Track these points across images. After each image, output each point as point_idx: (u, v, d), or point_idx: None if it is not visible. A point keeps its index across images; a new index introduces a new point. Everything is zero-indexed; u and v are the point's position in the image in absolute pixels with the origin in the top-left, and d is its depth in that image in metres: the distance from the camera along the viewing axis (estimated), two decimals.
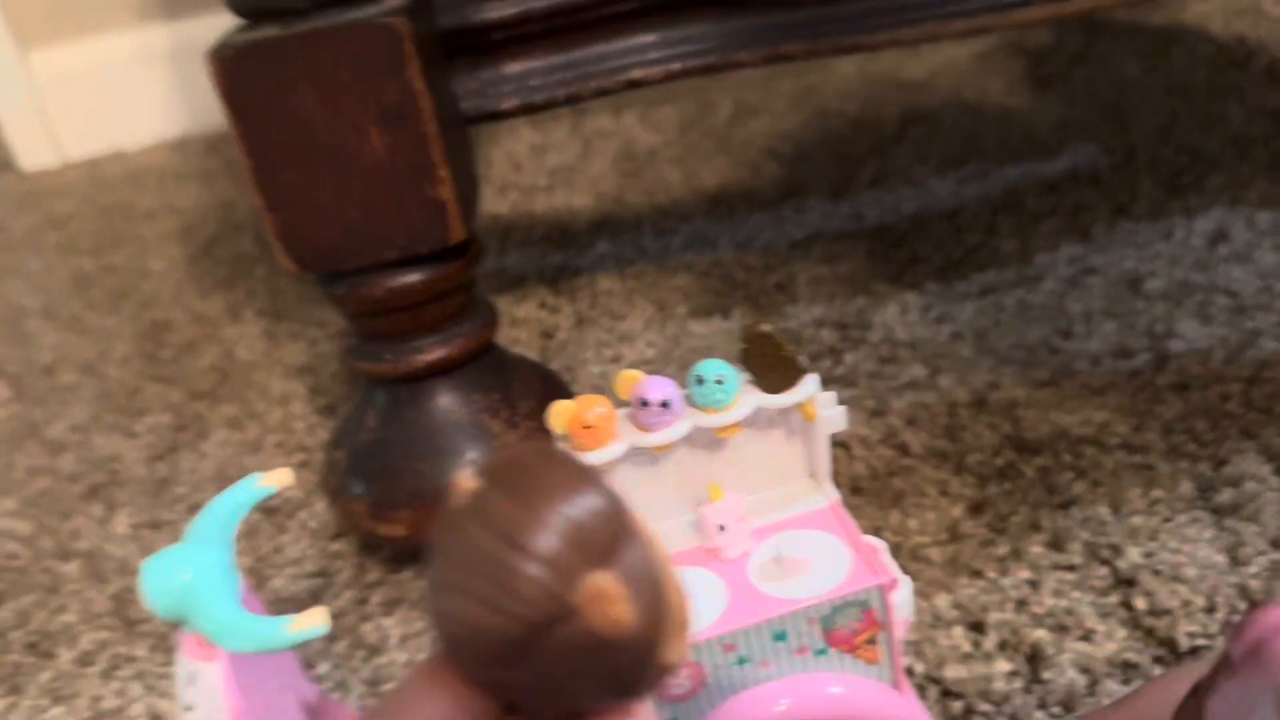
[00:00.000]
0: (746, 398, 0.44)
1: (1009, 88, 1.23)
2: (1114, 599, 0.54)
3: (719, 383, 0.43)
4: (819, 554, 0.44)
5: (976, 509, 0.62)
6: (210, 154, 1.51)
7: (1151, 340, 0.73)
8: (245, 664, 0.40)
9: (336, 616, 0.63)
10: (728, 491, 0.46)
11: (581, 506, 0.23)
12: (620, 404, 0.45)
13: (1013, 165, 1.03)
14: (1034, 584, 0.56)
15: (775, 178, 1.10)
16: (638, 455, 0.46)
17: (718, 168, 1.15)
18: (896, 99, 1.25)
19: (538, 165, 1.23)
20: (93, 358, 0.99)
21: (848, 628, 0.43)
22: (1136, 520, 0.58)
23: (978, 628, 0.54)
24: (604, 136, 1.29)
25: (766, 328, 0.43)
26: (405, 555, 0.65)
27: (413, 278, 0.56)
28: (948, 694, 0.51)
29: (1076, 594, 0.54)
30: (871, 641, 0.44)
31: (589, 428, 0.43)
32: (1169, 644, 0.51)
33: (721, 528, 0.45)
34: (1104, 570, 0.55)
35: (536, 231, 1.07)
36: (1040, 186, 0.98)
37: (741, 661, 0.42)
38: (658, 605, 0.24)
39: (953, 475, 0.64)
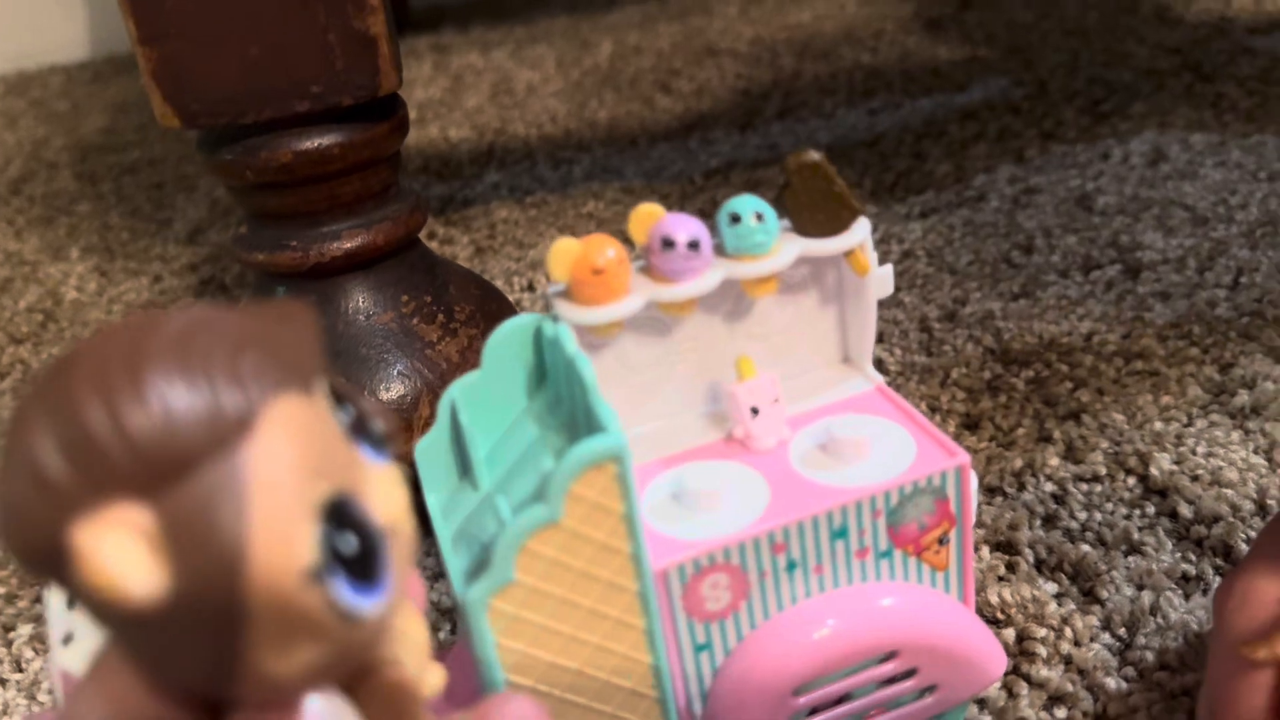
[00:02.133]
0: (788, 243, 0.35)
1: (901, 29, 1.18)
2: (1152, 509, 0.47)
3: (759, 220, 0.34)
4: (876, 437, 0.36)
5: (973, 424, 0.54)
6: (11, 95, 1.33)
7: (1119, 252, 0.67)
8: None
9: None
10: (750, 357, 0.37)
11: (138, 388, 0.14)
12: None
13: (924, 97, 0.98)
14: (1059, 498, 0.49)
15: (674, 111, 1.02)
16: (645, 323, 0.36)
17: (608, 102, 1.06)
18: (788, 39, 1.19)
19: (404, 98, 1.11)
20: None
21: (917, 522, 0.34)
22: (1157, 426, 0.52)
23: (1008, 547, 0.46)
24: (474, 72, 1.18)
25: (815, 156, 0.35)
26: None
27: (330, 139, 0.44)
28: (993, 621, 0.43)
29: (1109, 506, 0.48)
30: (942, 541, 0.35)
31: (599, 273, 0.33)
32: (1226, 553, 0.44)
33: (755, 411, 0.36)
34: (1133, 480, 0.49)
35: (412, 163, 0.95)
36: (959, 115, 0.92)
37: (792, 566, 0.33)
38: (227, 572, 0.14)
39: (940, 390, 0.57)
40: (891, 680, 0.35)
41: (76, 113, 1.23)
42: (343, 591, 0.15)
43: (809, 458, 0.35)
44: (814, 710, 0.35)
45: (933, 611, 0.35)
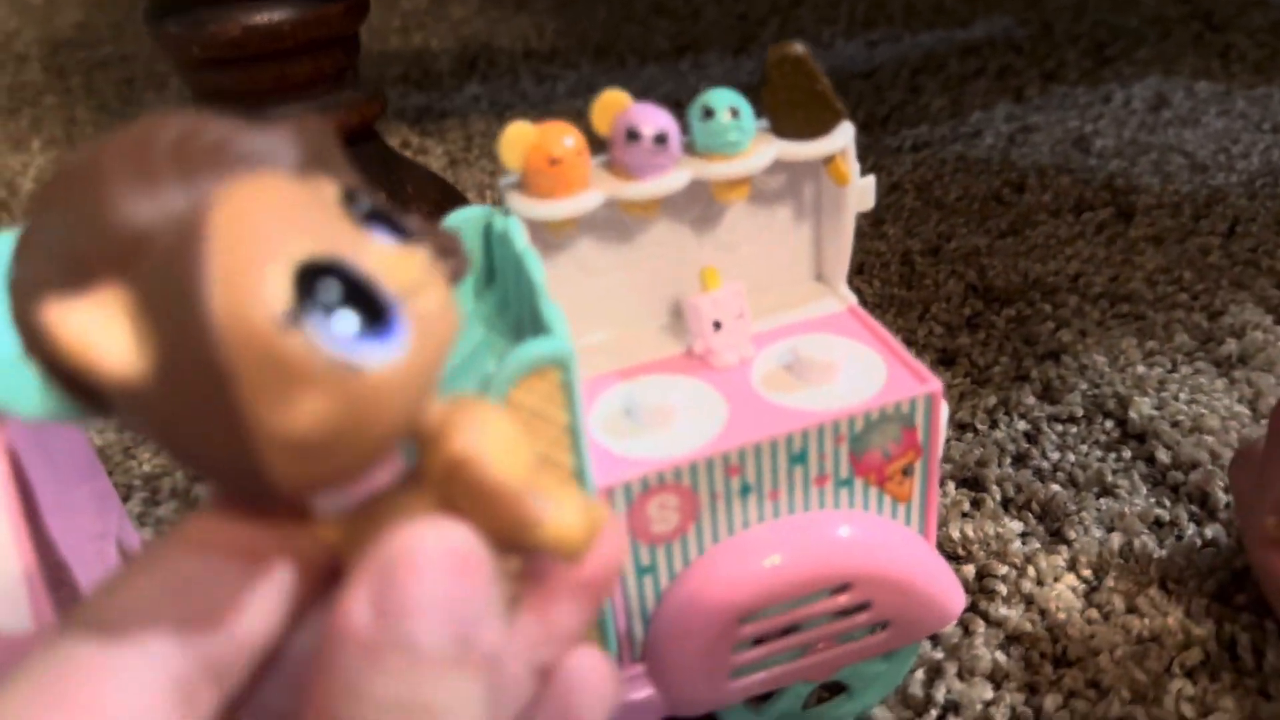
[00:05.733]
0: (764, 144, 0.33)
1: None
2: (1128, 452, 0.45)
3: (734, 116, 0.32)
4: (844, 359, 0.34)
5: (949, 360, 0.52)
6: None
7: (1113, 195, 0.65)
8: (44, 478, 0.27)
9: (160, 474, 0.49)
10: (725, 279, 0.35)
11: (99, 185, 0.15)
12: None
13: (925, 31, 0.95)
14: (1031, 437, 0.47)
15: (668, 32, 0.99)
16: (607, 226, 0.34)
17: (600, 21, 1.03)
18: None
19: (388, 6, 1.07)
20: None
21: (881, 450, 0.32)
22: (1139, 370, 0.50)
23: (974, 484, 0.45)
24: None
25: (799, 49, 0.32)
26: None
27: (282, 14, 0.42)
28: (953, 557, 0.41)
29: (1084, 448, 0.46)
30: (906, 473, 0.33)
31: (556, 163, 0.31)
32: (1202, 500, 0.43)
33: (718, 325, 0.34)
34: (1110, 423, 0.47)
35: (391, 70, 0.92)
36: (959, 51, 0.90)
37: (745, 490, 0.32)
38: (199, 328, 0.14)
39: (917, 324, 0.55)
40: (844, 613, 0.33)
41: (51, 6, 1.19)
42: (331, 334, 0.14)
43: (772, 378, 0.33)
44: (760, 640, 0.33)
45: (891, 544, 0.33)
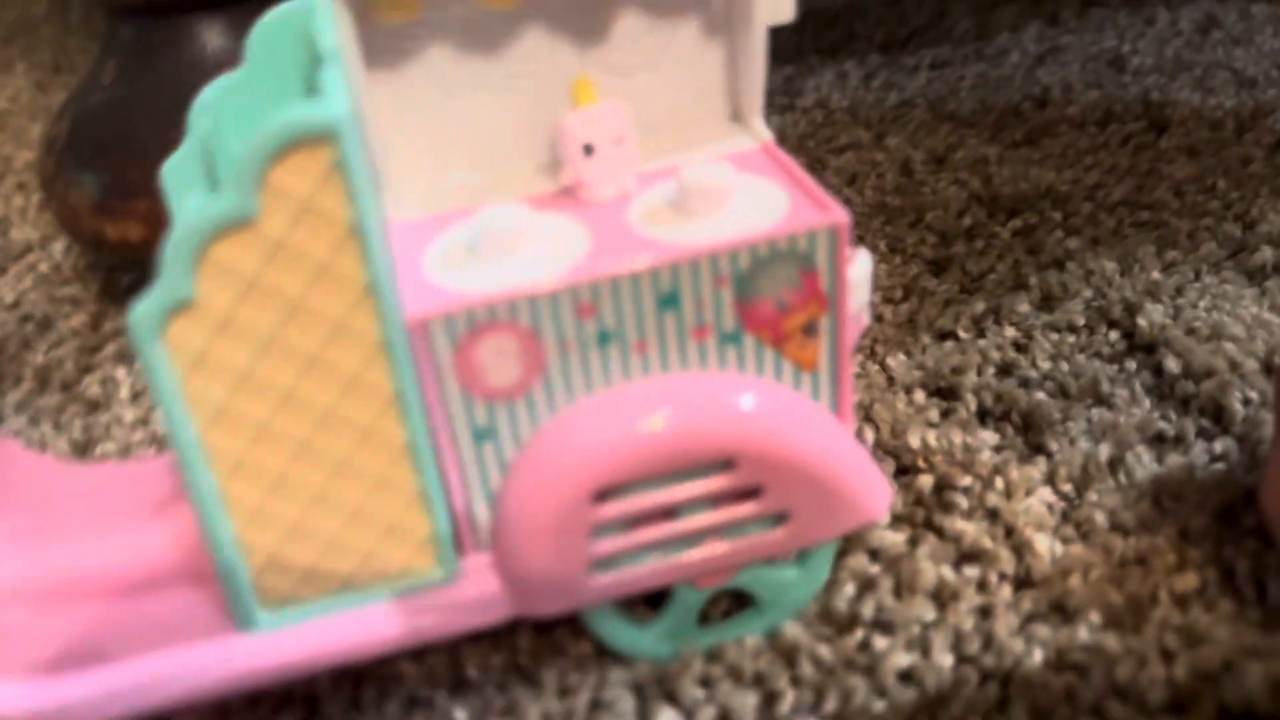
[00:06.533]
0: None
1: None
2: (1133, 364, 0.39)
3: None
4: (738, 190, 0.28)
5: (939, 268, 0.46)
6: None
7: (1146, 108, 0.58)
8: None
9: (54, 367, 0.44)
10: (602, 96, 0.29)
11: None
12: None
13: None
14: (1021, 346, 0.40)
15: None
16: (464, 30, 0.28)
17: None
18: None
19: None
20: None
21: (774, 299, 0.26)
22: (1154, 277, 0.43)
23: (948, 393, 0.38)
24: None
25: None
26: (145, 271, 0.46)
27: None
28: (907, 470, 0.35)
29: (1081, 358, 0.39)
30: (809, 331, 0.27)
31: None
32: (1215, 413, 0.36)
33: (589, 149, 0.28)
34: (1115, 334, 0.40)
35: None
36: None
37: (604, 339, 0.26)
38: None
39: (908, 231, 0.48)
40: (733, 501, 0.27)
41: None
42: None
43: (653, 213, 0.27)
44: (633, 527, 0.27)
45: (789, 415, 0.27)
